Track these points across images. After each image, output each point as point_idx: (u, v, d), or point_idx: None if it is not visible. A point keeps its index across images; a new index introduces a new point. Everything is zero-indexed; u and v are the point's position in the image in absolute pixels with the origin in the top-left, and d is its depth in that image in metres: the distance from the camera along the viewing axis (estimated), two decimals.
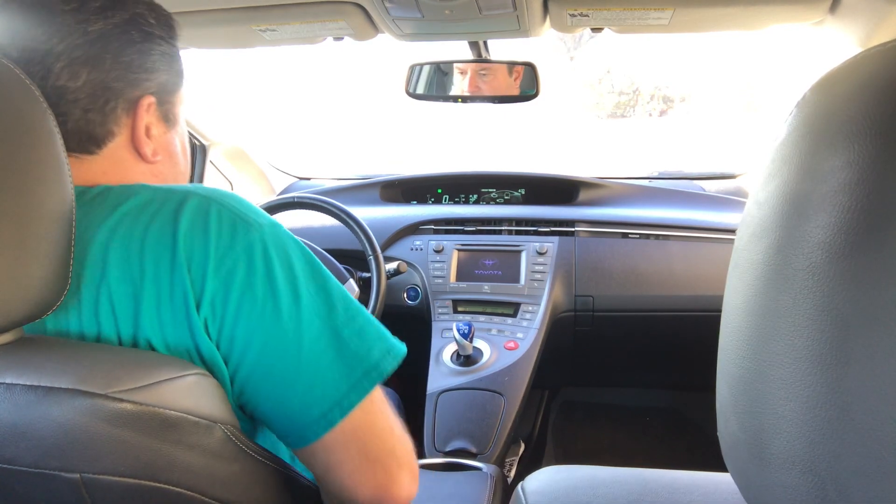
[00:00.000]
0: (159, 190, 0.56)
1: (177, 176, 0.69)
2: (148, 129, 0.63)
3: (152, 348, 0.53)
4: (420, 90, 1.42)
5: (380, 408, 0.59)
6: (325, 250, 1.44)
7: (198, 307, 0.52)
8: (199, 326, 0.52)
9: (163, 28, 0.63)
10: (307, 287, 0.56)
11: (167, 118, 0.65)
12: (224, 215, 0.54)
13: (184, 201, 0.54)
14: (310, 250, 0.59)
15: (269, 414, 0.56)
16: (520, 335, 1.44)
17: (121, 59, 0.59)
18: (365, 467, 0.57)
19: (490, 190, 1.79)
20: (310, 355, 0.54)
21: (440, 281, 1.55)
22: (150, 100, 0.62)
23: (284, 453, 0.65)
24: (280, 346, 0.54)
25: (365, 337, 0.57)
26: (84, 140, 0.59)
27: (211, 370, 0.53)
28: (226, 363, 0.54)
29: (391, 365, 0.58)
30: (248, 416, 0.58)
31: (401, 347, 0.60)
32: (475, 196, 1.80)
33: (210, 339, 0.53)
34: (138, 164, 0.63)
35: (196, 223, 0.53)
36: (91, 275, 0.52)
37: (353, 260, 1.48)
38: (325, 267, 0.59)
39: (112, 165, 0.61)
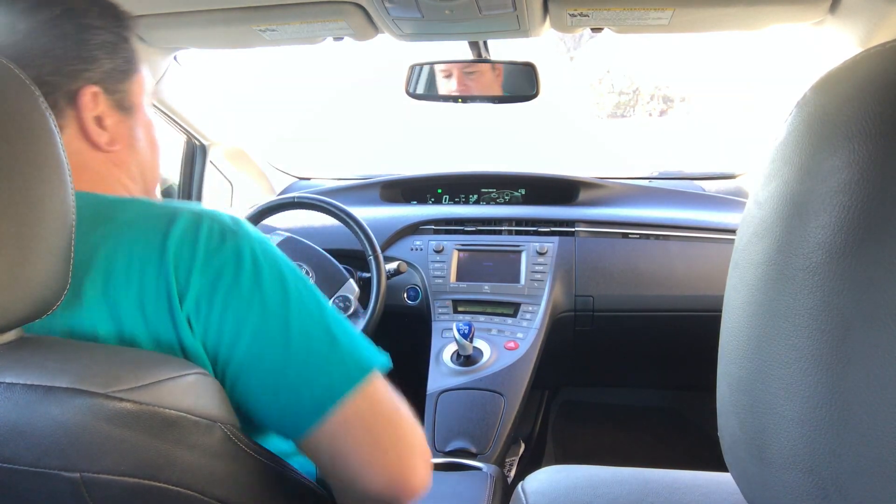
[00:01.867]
0: (154, 205, 0.57)
1: (141, 165, 0.69)
2: (101, 119, 0.63)
3: (135, 343, 0.53)
4: (420, 90, 1.42)
5: (384, 395, 0.59)
6: (325, 250, 1.44)
7: (181, 302, 0.53)
8: (182, 321, 0.53)
9: (104, 18, 0.63)
10: (296, 286, 0.57)
11: (122, 106, 0.66)
12: (215, 227, 0.55)
13: (177, 213, 0.55)
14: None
15: (263, 408, 0.56)
16: (520, 335, 1.43)
17: (52, 54, 0.59)
18: (376, 455, 0.57)
19: (490, 190, 1.79)
20: (299, 346, 0.55)
21: (440, 281, 1.55)
22: (93, 90, 0.62)
23: (283, 453, 0.65)
24: (269, 337, 0.54)
25: (354, 339, 0.59)
26: None
27: None
28: (215, 361, 0.54)
29: (380, 365, 0.59)
30: (243, 416, 0.58)
31: (386, 359, 0.61)
32: (475, 196, 1.80)
33: (193, 334, 0.53)
34: (95, 153, 0.63)
35: (187, 231, 0.54)
36: (77, 268, 0.52)
37: (353, 260, 1.48)
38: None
39: (69, 157, 0.62)
